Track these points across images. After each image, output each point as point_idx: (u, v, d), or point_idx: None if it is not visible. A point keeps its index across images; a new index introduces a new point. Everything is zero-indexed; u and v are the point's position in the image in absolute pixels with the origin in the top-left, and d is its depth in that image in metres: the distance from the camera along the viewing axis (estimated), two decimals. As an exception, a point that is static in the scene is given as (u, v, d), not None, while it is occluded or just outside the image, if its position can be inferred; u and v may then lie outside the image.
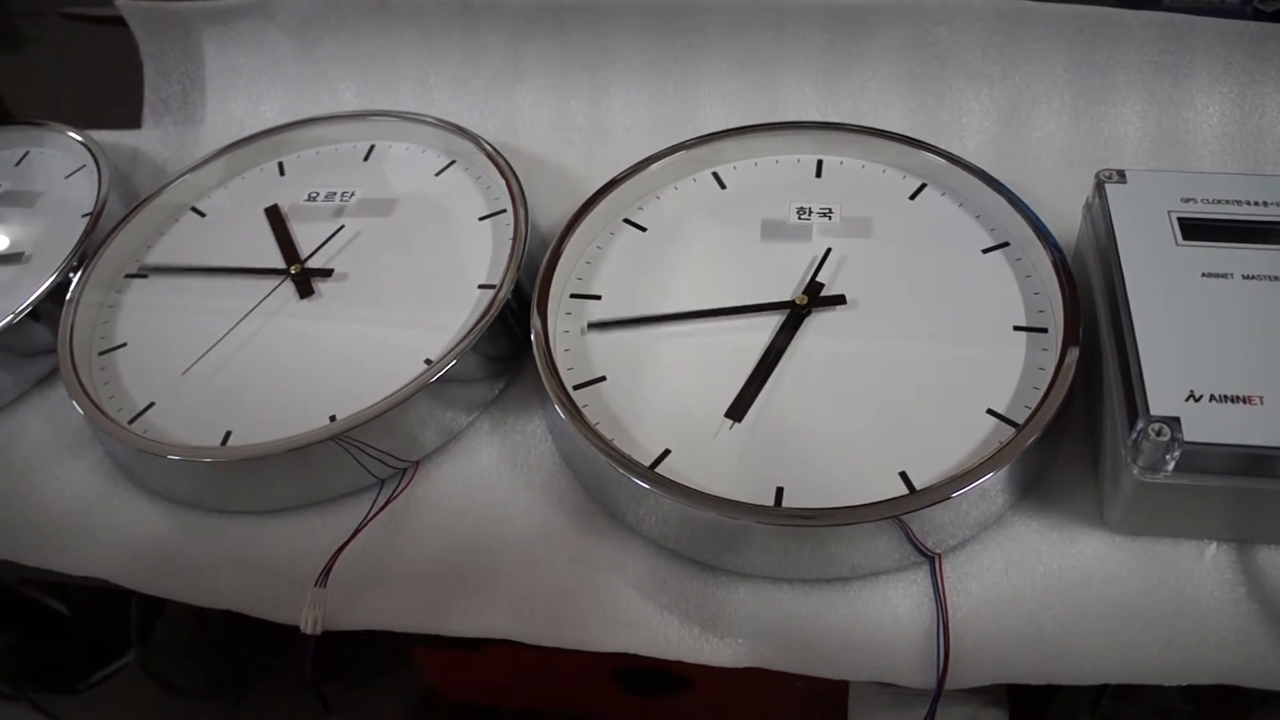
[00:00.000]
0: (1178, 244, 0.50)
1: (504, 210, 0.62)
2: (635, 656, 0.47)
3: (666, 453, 0.49)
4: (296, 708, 0.54)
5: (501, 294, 0.56)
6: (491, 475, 0.54)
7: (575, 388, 0.52)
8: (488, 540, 0.52)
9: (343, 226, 0.64)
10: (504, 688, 0.51)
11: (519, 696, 0.51)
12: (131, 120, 0.79)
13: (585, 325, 0.56)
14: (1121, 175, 0.53)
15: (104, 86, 0.90)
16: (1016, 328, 0.52)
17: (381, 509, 0.53)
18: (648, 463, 0.48)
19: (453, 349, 0.54)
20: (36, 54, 1.06)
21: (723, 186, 0.62)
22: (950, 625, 0.45)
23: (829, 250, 0.56)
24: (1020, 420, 0.47)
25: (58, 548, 0.55)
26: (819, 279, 0.55)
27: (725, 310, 0.55)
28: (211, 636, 0.70)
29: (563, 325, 0.55)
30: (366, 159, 0.70)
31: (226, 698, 0.61)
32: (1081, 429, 0.51)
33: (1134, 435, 0.43)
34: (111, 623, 0.86)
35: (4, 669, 1.02)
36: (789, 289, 0.55)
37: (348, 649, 0.53)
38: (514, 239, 0.59)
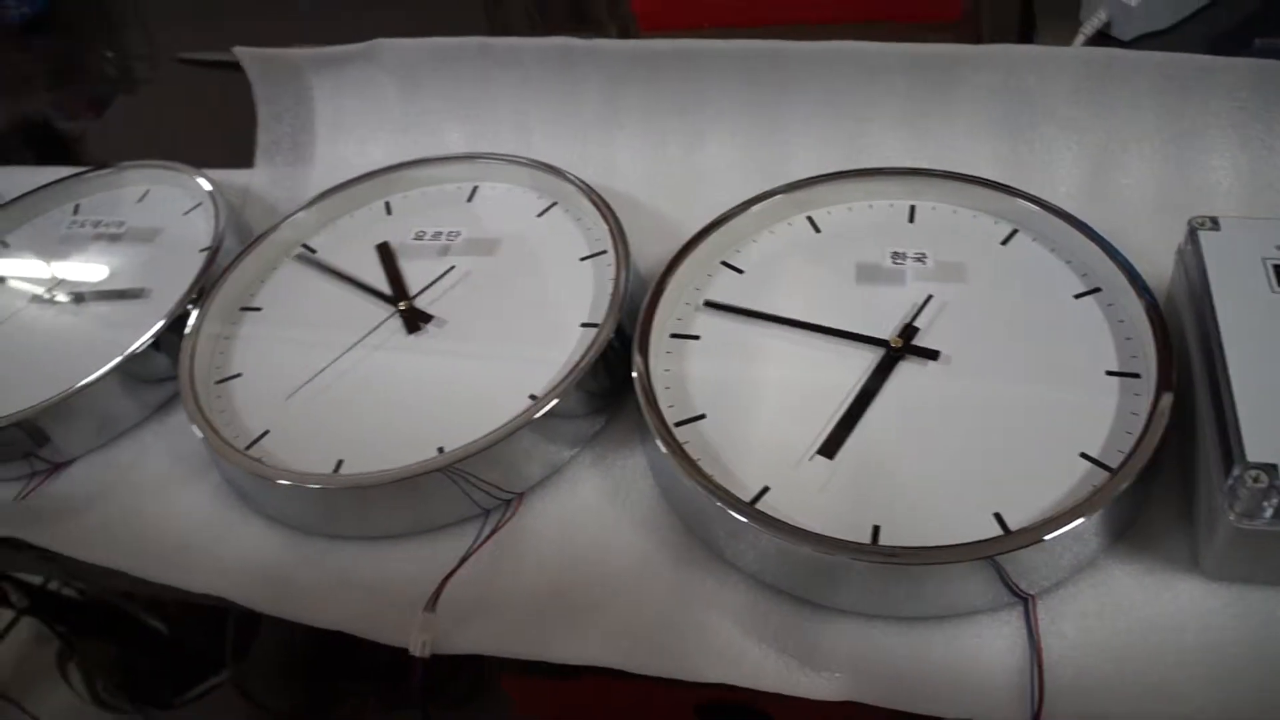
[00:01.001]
0: (1273, 291, 0.51)
1: (604, 251, 0.64)
2: (721, 691, 0.48)
3: (765, 489, 0.50)
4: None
5: (604, 333, 0.58)
6: (593, 509, 0.56)
7: (676, 424, 0.54)
8: (589, 572, 0.53)
9: (452, 267, 0.67)
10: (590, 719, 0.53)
11: None
12: (241, 160, 0.83)
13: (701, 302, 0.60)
14: (1215, 222, 0.54)
15: (215, 127, 0.95)
16: (1109, 373, 0.53)
17: (488, 538, 0.55)
18: (748, 499, 0.50)
19: (557, 385, 0.56)
20: (150, 96, 1.11)
21: (817, 230, 0.64)
22: (1045, 666, 0.45)
23: (929, 297, 0.58)
24: (1114, 465, 0.48)
25: (180, 566, 0.58)
26: (914, 323, 0.57)
27: (825, 329, 0.57)
28: (302, 659, 0.72)
29: (663, 364, 0.57)
30: (470, 199, 0.72)
31: None
32: (1175, 474, 0.51)
33: (1230, 481, 0.44)
34: (209, 641, 0.88)
35: (106, 681, 1.06)
36: (884, 331, 0.56)
37: (438, 676, 0.55)
38: (615, 279, 0.61)
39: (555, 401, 0.55)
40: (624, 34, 0.72)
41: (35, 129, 1.03)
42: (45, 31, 1.23)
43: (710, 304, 0.61)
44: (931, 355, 0.55)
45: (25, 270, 0.79)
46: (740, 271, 0.62)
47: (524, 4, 1.08)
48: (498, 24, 0.81)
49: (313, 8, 1.03)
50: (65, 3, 1.25)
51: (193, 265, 0.72)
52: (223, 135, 0.91)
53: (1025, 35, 0.81)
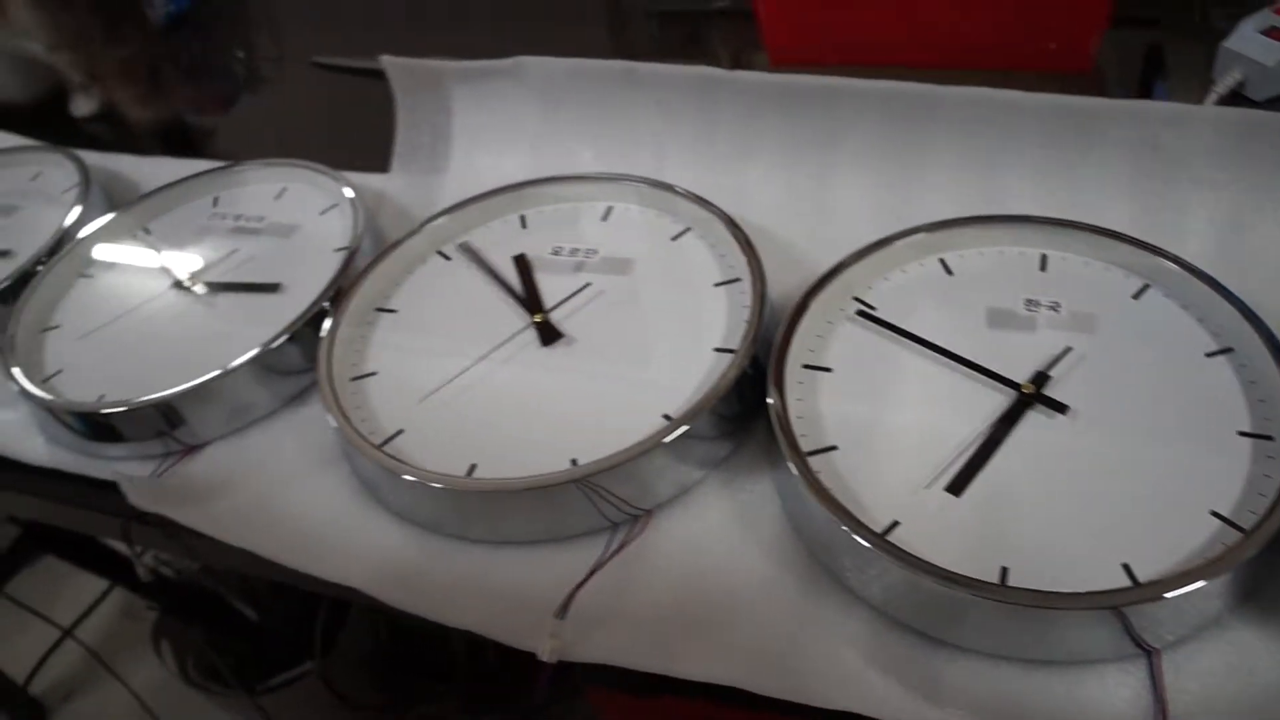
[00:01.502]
0: None
1: (739, 279, 0.66)
2: None
3: (895, 523, 0.52)
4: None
5: (741, 360, 0.59)
6: (720, 531, 0.57)
7: (809, 454, 0.55)
8: (715, 591, 0.55)
9: (588, 284, 0.69)
10: None
11: None
12: (367, 165, 0.86)
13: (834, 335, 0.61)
14: (1354, 290, 0.55)
15: (345, 131, 0.98)
16: (1241, 433, 0.53)
17: (617, 551, 0.57)
18: (879, 531, 0.51)
19: (694, 408, 0.57)
20: (282, 97, 1.14)
21: (949, 272, 0.65)
22: (1170, 717, 0.46)
23: (1067, 348, 0.59)
24: (1247, 525, 0.49)
25: (313, 555, 0.59)
26: (1047, 370, 0.58)
27: (961, 361, 0.59)
28: (385, 656, 0.74)
29: (796, 394, 0.58)
30: (605, 219, 0.74)
31: (389, 716, 0.65)
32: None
33: (1368, 552, 0.45)
34: (298, 631, 0.90)
35: (197, 663, 1.09)
36: (1015, 376, 0.58)
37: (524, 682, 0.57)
38: (753, 307, 0.62)
39: (690, 423, 0.57)
40: (735, 65, 0.74)
41: (170, 123, 1.07)
42: (188, 30, 1.27)
43: (843, 338, 0.62)
44: (1061, 407, 0.56)
45: (166, 258, 0.82)
46: (872, 308, 0.63)
47: (648, 33, 1.10)
48: (622, 50, 0.83)
49: (440, 25, 1.06)
50: (208, 3, 1.30)
51: (328, 263, 0.75)
52: (352, 139, 0.94)
53: (1156, 91, 0.82)
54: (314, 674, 1.00)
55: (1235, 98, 0.76)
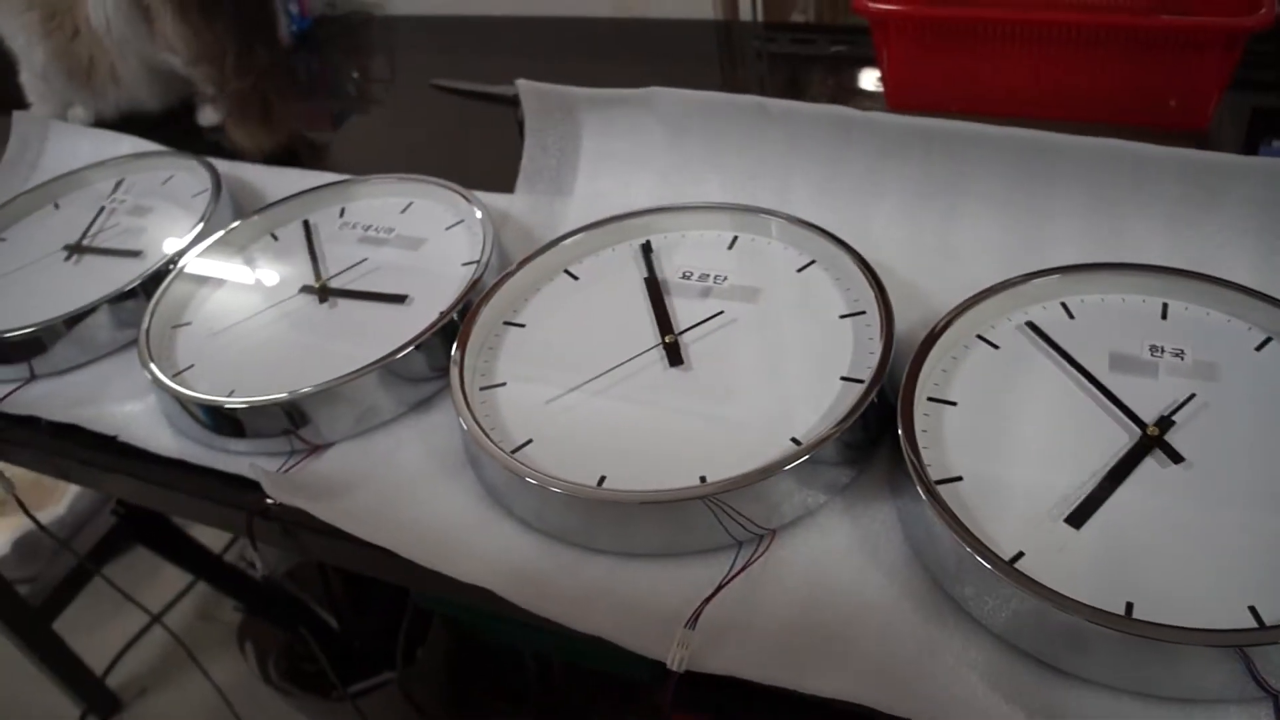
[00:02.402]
0: None
1: (863, 311, 0.68)
2: None
3: (1020, 554, 0.53)
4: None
5: (870, 388, 0.61)
6: (842, 553, 0.59)
7: (936, 483, 0.57)
8: (839, 612, 0.56)
9: (719, 311, 0.71)
10: None
11: None
12: (486, 186, 0.88)
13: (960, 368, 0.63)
14: None
15: (463, 153, 1.01)
16: (1362, 487, 0.55)
17: (744, 568, 0.59)
18: (1007, 559, 0.52)
19: (823, 435, 0.59)
20: (393, 117, 1.18)
21: (1071, 316, 0.66)
22: (1295, 760, 0.47)
23: (1192, 395, 0.60)
24: (1372, 580, 0.50)
25: (444, 556, 0.61)
26: (1171, 415, 0.59)
27: (1095, 382, 0.61)
28: (461, 672, 0.76)
29: (921, 425, 0.60)
30: (730, 248, 0.77)
31: None
32: None
33: None
34: (378, 641, 0.92)
35: (278, 665, 1.11)
36: (1138, 418, 0.59)
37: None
38: (881, 339, 0.64)
39: (818, 448, 0.59)
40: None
41: (293, 138, 1.10)
42: (311, 48, 1.32)
43: (968, 372, 0.64)
44: (1179, 456, 0.57)
45: (295, 263, 0.85)
46: (996, 347, 0.65)
47: (757, 74, 1.13)
48: (731, 88, 0.86)
49: (550, 57, 1.10)
50: (329, 24, 1.35)
51: (455, 276, 0.78)
52: (469, 161, 0.97)
53: (1261, 150, 0.83)
54: (391, 684, 1.02)
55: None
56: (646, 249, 0.78)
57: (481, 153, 0.97)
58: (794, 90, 1.10)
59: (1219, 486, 0.56)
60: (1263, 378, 0.61)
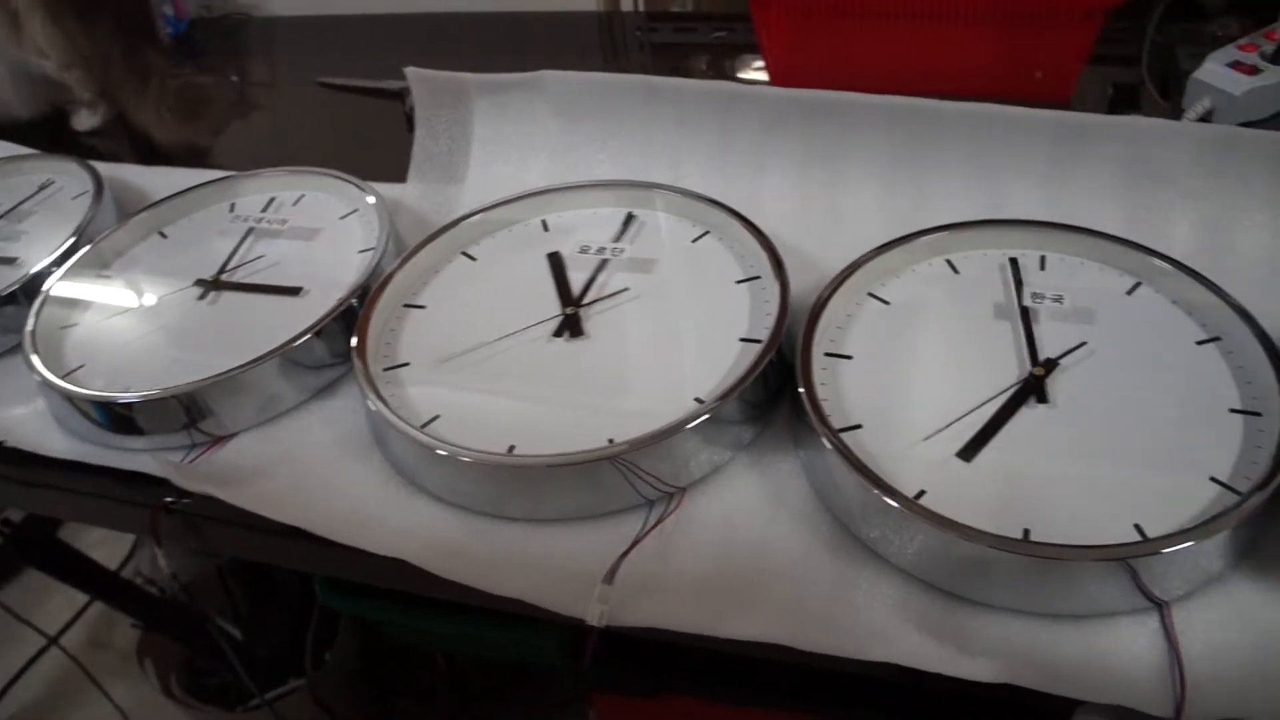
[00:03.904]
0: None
1: (758, 276, 0.70)
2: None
3: (923, 492, 0.56)
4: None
5: (769, 347, 0.63)
6: (752, 505, 0.61)
7: (837, 431, 0.59)
8: (751, 560, 0.58)
9: (613, 279, 0.73)
10: None
11: None
12: (377, 177, 0.88)
13: (853, 325, 0.63)
14: (1329, 283, 0.60)
15: (351, 147, 1.01)
16: (1233, 410, 0.58)
17: (656, 524, 0.60)
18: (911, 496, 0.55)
19: (725, 392, 0.61)
20: (279, 117, 1.17)
21: (956, 271, 0.70)
22: (1184, 663, 0.50)
23: (1080, 343, 0.63)
24: (1243, 489, 0.54)
25: (357, 532, 0.61)
26: (1053, 356, 0.62)
27: (982, 330, 0.65)
28: (371, 674, 0.76)
29: (820, 379, 0.62)
30: (625, 223, 0.78)
31: None
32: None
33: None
34: (282, 649, 0.91)
35: (180, 679, 1.10)
36: (1023, 361, 0.62)
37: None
38: (778, 300, 0.66)
39: (721, 405, 0.60)
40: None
41: (176, 140, 1.09)
42: (189, 50, 1.30)
43: (861, 328, 0.66)
44: (1059, 394, 0.61)
45: (186, 259, 0.84)
46: (887, 302, 0.68)
47: (640, 63, 1.15)
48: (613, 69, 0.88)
49: (433, 55, 1.10)
50: (204, 27, 1.32)
51: (352, 264, 0.78)
52: (358, 155, 0.97)
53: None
54: (299, 691, 1.01)
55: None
56: (543, 228, 0.79)
57: (371, 147, 0.97)
58: (681, 71, 1.11)
59: (1099, 417, 0.59)
60: (1133, 319, 0.65)
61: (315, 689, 0.96)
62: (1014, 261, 0.69)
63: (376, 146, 0.90)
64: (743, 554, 0.58)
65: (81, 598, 1.32)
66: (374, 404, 0.65)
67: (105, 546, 1.27)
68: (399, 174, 0.88)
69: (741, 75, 1.07)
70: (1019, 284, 0.68)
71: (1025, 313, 0.65)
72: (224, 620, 1.11)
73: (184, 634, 1.18)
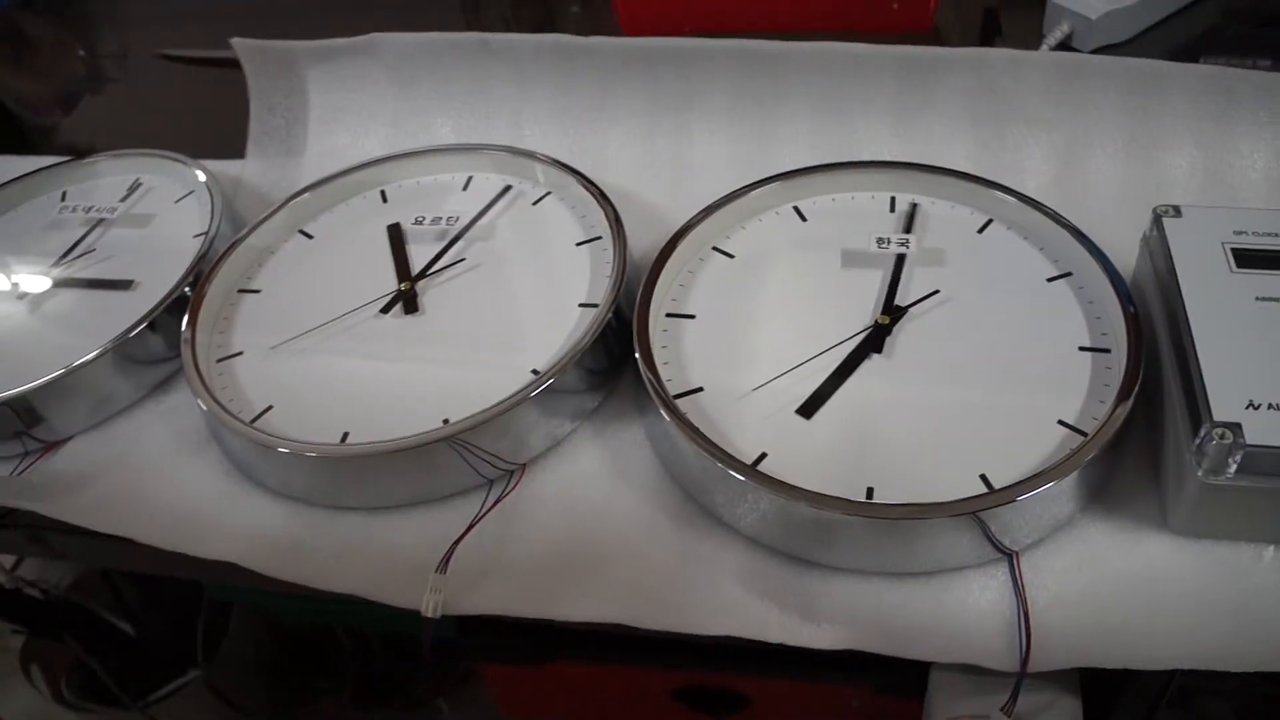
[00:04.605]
0: (1232, 271, 0.55)
1: (600, 237, 0.67)
2: (696, 676, 0.51)
3: (763, 455, 0.53)
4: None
5: (604, 312, 0.60)
6: (594, 478, 0.58)
7: (676, 397, 0.56)
8: (593, 536, 0.56)
9: (452, 251, 0.69)
10: (566, 707, 0.54)
11: (581, 716, 0.54)
12: (222, 154, 0.84)
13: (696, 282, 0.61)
14: (1177, 210, 0.58)
15: (196, 122, 0.96)
16: (1081, 348, 0.57)
17: (494, 505, 0.57)
18: (748, 463, 0.52)
19: (560, 361, 0.58)
20: (126, 93, 1.12)
21: (803, 219, 0.67)
22: (1030, 615, 0.49)
23: (934, 291, 0.61)
24: (1089, 430, 0.52)
25: (188, 536, 0.58)
26: (899, 302, 0.60)
27: (828, 280, 0.62)
28: (271, 659, 0.73)
29: (660, 341, 0.60)
30: (465, 189, 0.75)
31: (282, 718, 0.64)
32: (1143, 442, 0.55)
33: (1198, 440, 0.48)
34: (178, 639, 0.88)
35: (70, 682, 1.06)
36: (869, 310, 0.60)
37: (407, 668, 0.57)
38: (614, 262, 0.63)
39: (557, 377, 0.58)
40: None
41: (7, 121, 1.03)
42: (19, 23, 1.23)
43: (704, 286, 0.64)
44: (900, 343, 0.59)
45: (12, 256, 0.79)
46: (731, 256, 0.65)
47: (500, 11, 1.10)
48: (475, 29, 0.84)
49: (289, 14, 1.05)
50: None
51: (187, 250, 0.73)
52: (207, 130, 0.92)
53: (990, 45, 0.86)
54: (198, 683, 0.97)
55: (1064, 49, 0.80)
56: (381, 199, 0.75)
57: (218, 121, 0.92)
58: (545, 26, 1.07)
59: (953, 363, 0.57)
60: (985, 258, 0.63)
61: (210, 680, 0.93)
62: (863, 206, 0.67)
63: (226, 121, 0.86)
64: (583, 530, 0.56)
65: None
66: (203, 399, 0.62)
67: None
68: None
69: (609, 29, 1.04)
70: (867, 230, 0.65)
71: (873, 259, 0.63)
72: (114, 616, 1.08)
73: (72, 635, 1.14)
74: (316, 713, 0.65)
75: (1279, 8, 0.83)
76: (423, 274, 0.68)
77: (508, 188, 0.74)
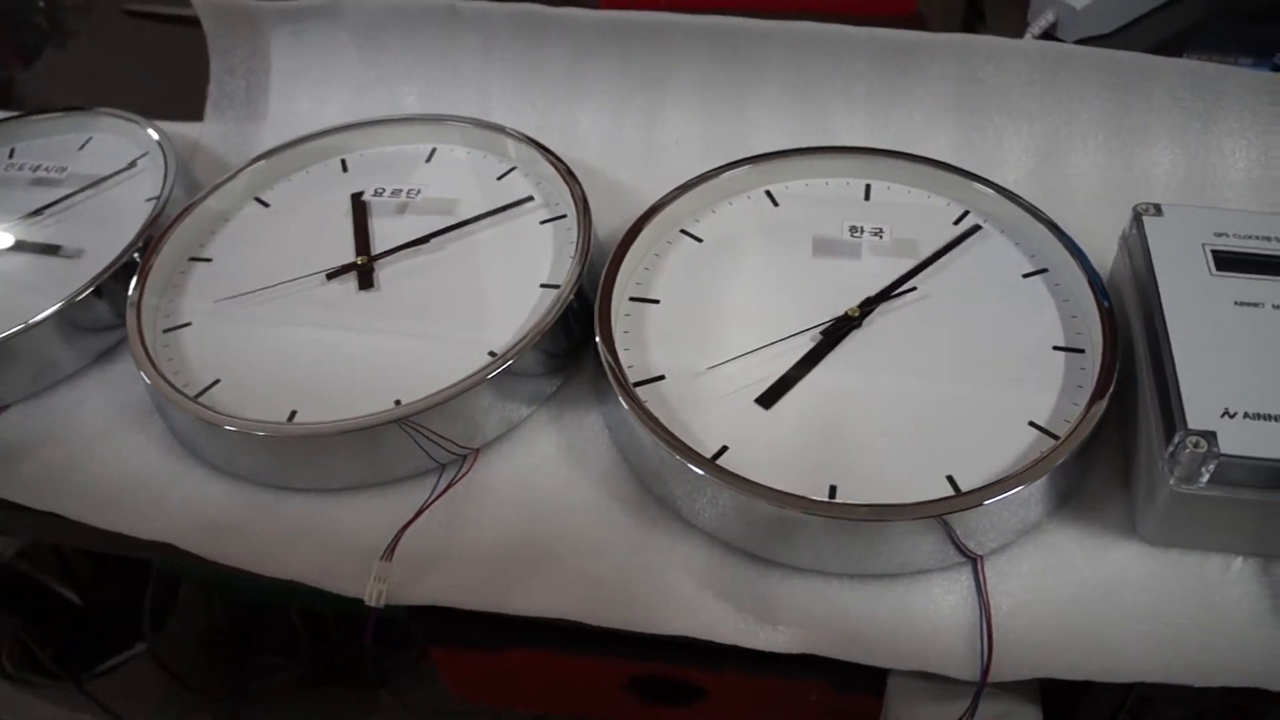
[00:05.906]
0: (1211, 274, 0.53)
1: (565, 215, 0.65)
2: (651, 666, 0.50)
3: (724, 448, 0.51)
4: (296, 709, 0.55)
5: (565, 294, 0.58)
6: (550, 465, 0.56)
7: (636, 385, 0.54)
8: (547, 526, 0.54)
9: (412, 225, 0.67)
10: (517, 692, 0.53)
11: (533, 701, 0.52)
12: (185, 115, 0.82)
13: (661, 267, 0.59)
14: (1158, 209, 0.56)
15: (158, 81, 0.93)
16: (1056, 347, 0.55)
17: (445, 491, 0.55)
18: (708, 456, 0.51)
19: (517, 343, 0.56)
20: (88, 48, 1.08)
21: (775, 204, 0.65)
22: (993, 622, 0.47)
23: (911, 287, 0.59)
24: (1060, 433, 0.50)
25: (128, 512, 0.57)
26: (871, 294, 0.58)
27: (798, 268, 0.60)
28: (221, 634, 0.71)
29: (623, 326, 0.58)
30: (429, 160, 0.72)
31: (232, 694, 0.62)
32: (1115, 446, 0.54)
33: (1171, 448, 0.46)
34: (125, 612, 0.86)
35: (12, 654, 1.04)
36: (839, 301, 0.58)
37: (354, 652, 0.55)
38: (578, 243, 0.61)
39: (514, 359, 0.56)
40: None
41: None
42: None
43: (670, 270, 0.62)
44: (886, 326, 0.57)
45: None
46: (699, 240, 0.63)
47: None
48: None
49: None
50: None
51: (138, 214, 0.71)
52: (168, 90, 0.89)
53: (974, 32, 0.84)
54: (145, 656, 0.95)
55: (1048, 39, 0.78)
56: (341, 168, 0.73)
57: (179, 81, 0.89)
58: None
59: (923, 359, 0.56)
60: (959, 251, 0.61)
61: (158, 654, 0.91)
62: (836, 192, 0.65)
63: (189, 81, 0.83)
64: (537, 519, 0.54)
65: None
66: (146, 371, 0.59)
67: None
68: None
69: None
70: (840, 217, 0.63)
71: (845, 248, 0.61)
72: (61, 586, 1.05)
73: (14, 605, 1.12)
74: (266, 690, 0.64)
75: (1265, 4, 0.82)
76: (379, 247, 0.65)
77: (472, 161, 0.72)
